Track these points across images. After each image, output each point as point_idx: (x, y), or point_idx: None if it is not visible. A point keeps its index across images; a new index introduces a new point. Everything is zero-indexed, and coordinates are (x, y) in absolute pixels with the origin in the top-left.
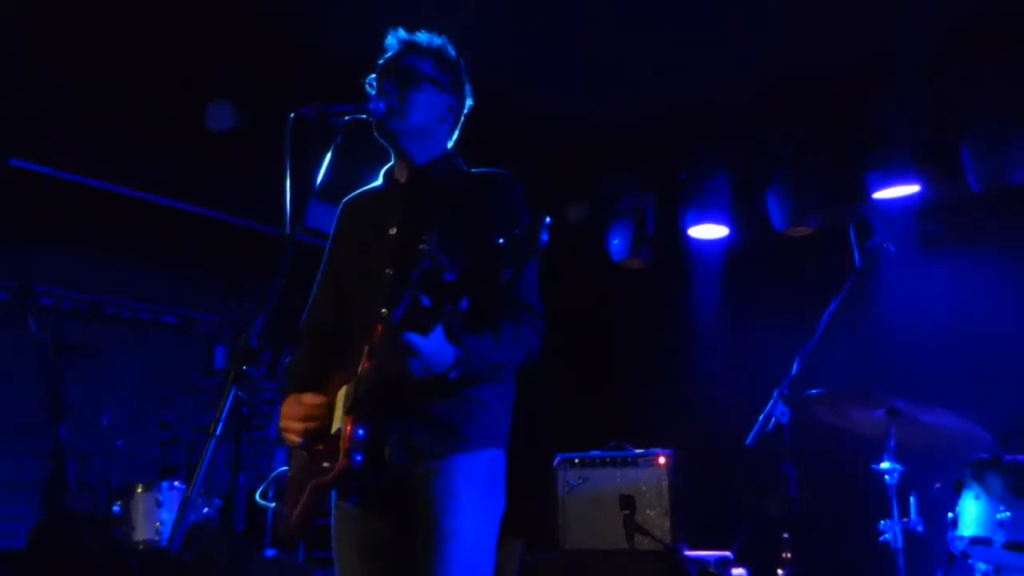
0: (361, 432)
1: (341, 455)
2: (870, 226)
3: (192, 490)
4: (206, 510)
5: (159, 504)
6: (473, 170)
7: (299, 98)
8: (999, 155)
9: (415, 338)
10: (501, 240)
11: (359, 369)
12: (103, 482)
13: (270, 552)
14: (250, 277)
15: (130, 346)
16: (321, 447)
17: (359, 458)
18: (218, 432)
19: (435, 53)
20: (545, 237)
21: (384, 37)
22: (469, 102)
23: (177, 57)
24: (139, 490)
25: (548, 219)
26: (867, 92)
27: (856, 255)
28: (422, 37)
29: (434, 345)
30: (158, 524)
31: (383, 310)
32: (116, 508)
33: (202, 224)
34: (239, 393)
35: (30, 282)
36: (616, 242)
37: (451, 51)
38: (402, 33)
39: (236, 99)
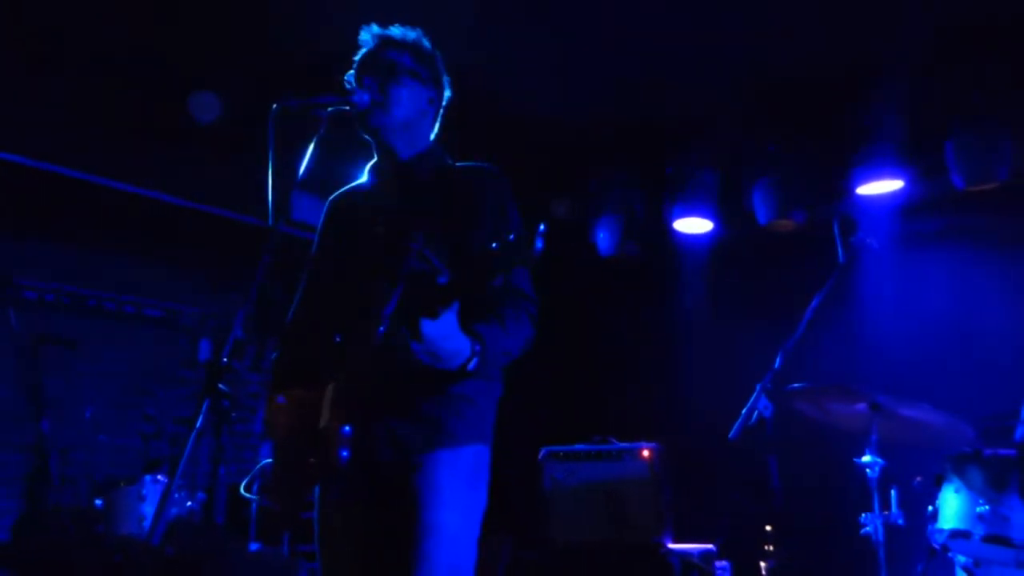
0: (347, 429)
1: (327, 452)
2: (853, 221)
3: (172, 483)
4: (189, 504)
5: (142, 498)
6: (459, 164)
7: (283, 89)
8: (983, 153)
9: (423, 321)
10: (494, 245)
11: (346, 365)
12: (85, 476)
13: (254, 546)
14: (235, 270)
15: (113, 339)
16: (307, 443)
17: (345, 454)
18: (198, 425)
19: (412, 46)
20: (540, 245)
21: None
22: (448, 93)
23: (161, 48)
24: (122, 484)
25: (543, 226)
26: (853, 88)
27: (840, 250)
28: (396, 31)
29: (442, 330)
30: (141, 518)
31: (372, 307)
32: (98, 502)
33: (186, 216)
34: (220, 386)
35: (11, 274)
36: (603, 236)
37: (426, 43)
38: (376, 28)
39: (220, 90)
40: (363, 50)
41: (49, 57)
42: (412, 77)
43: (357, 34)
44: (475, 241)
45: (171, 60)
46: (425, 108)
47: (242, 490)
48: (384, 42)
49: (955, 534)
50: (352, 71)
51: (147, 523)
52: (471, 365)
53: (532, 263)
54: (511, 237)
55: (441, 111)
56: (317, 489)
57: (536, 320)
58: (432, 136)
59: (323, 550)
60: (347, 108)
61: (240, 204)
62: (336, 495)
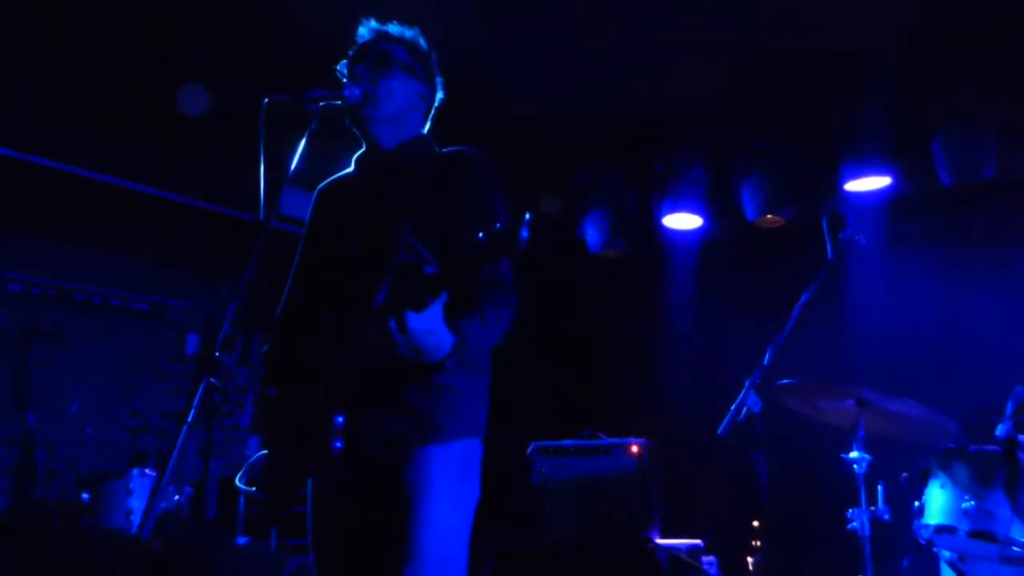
0: (340, 420)
1: (320, 443)
2: (842, 218)
3: (163, 478)
4: (177, 498)
5: (129, 492)
6: (444, 150)
7: (273, 83)
8: (969, 150)
9: (408, 314)
10: (481, 235)
11: (336, 358)
12: (72, 470)
13: (242, 539)
14: (222, 264)
15: (100, 333)
16: (300, 435)
17: (339, 445)
18: (189, 419)
19: (408, 42)
20: (526, 234)
21: (358, 24)
22: (440, 94)
23: (149, 40)
24: (109, 478)
25: (528, 215)
26: (841, 85)
27: (828, 247)
28: (394, 27)
29: (427, 324)
30: (128, 512)
31: (361, 297)
32: (86, 496)
33: (174, 210)
34: (212, 380)
35: None
36: (591, 232)
37: (423, 42)
38: (374, 23)
39: (209, 83)
40: (359, 42)
41: (37, 51)
42: (405, 71)
43: (349, 27)
44: (462, 230)
45: (160, 53)
46: (416, 103)
47: (236, 483)
48: (381, 35)
49: (940, 529)
50: (345, 61)
51: (134, 517)
52: (450, 362)
53: (519, 253)
54: (497, 227)
55: (433, 111)
56: (309, 482)
57: (516, 308)
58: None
59: (316, 542)
60: (338, 102)
61: (228, 198)
62: (329, 487)
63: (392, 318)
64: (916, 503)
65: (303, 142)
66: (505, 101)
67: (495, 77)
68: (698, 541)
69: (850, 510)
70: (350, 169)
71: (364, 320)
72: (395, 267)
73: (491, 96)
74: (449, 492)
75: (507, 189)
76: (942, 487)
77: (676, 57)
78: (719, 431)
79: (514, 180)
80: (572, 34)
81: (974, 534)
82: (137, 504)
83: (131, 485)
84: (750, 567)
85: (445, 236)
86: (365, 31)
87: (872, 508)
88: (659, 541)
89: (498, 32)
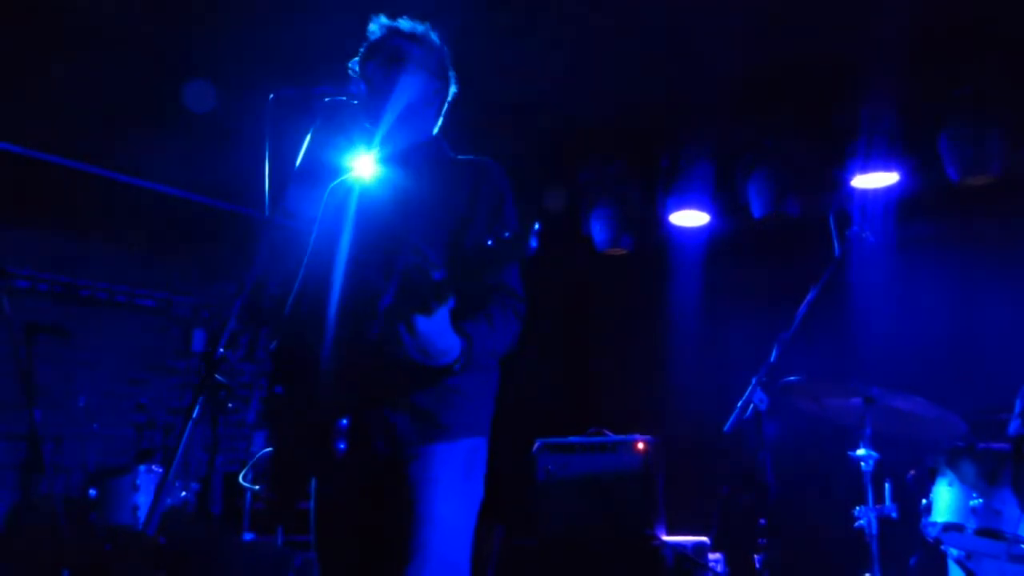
0: (344, 422)
1: (324, 444)
2: (849, 215)
3: (169, 474)
4: (183, 493)
5: (136, 488)
6: (459, 157)
7: (279, 78)
8: (975, 146)
9: (417, 317)
10: (490, 242)
11: (343, 357)
12: (79, 465)
13: (248, 535)
14: (227, 259)
15: (105, 328)
16: (305, 434)
17: (342, 447)
18: (195, 415)
19: (419, 37)
20: (535, 243)
21: (364, 20)
22: (454, 88)
23: (154, 34)
24: (115, 474)
25: (537, 224)
26: (848, 80)
27: (835, 244)
28: (405, 23)
29: (435, 327)
30: (135, 508)
31: (368, 298)
32: (92, 491)
33: (179, 205)
34: (218, 376)
35: (3, 263)
36: (598, 229)
37: (434, 37)
38: (384, 19)
39: (215, 79)
40: (370, 39)
41: (41, 46)
42: (417, 66)
43: (356, 22)
44: (470, 236)
45: (166, 47)
46: (430, 99)
47: (240, 479)
48: (391, 32)
49: (948, 527)
50: (357, 59)
51: (141, 512)
52: (457, 366)
53: (525, 259)
54: (506, 235)
55: (446, 106)
56: (313, 480)
57: (523, 319)
58: (435, 129)
59: (319, 541)
60: (345, 98)
61: (233, 194)
62: (332, 485)
63: (401, 321)
64: (924, 501)
65: (309, 138)
66: (509, 98)
67: (499, 74)
68: (704, 538)
69: (857, 508)
70: (362, 167)
71: (371, 321)
72: (402, 269)
73: (495, 93)
74: (453, 490)
75: (519, 199)
76: (950, 485)
77: (682, 53)
78: (725, 428)
79: (520, 178)
80: (577, 30)
81: (982, 532)
82: (144, 500)
83: (138, 481)
84: (756, 564)
85: (454, 241)
86: (376, 28)
87: (879, 506)
88: (664, 538)
89: (501, 29)
